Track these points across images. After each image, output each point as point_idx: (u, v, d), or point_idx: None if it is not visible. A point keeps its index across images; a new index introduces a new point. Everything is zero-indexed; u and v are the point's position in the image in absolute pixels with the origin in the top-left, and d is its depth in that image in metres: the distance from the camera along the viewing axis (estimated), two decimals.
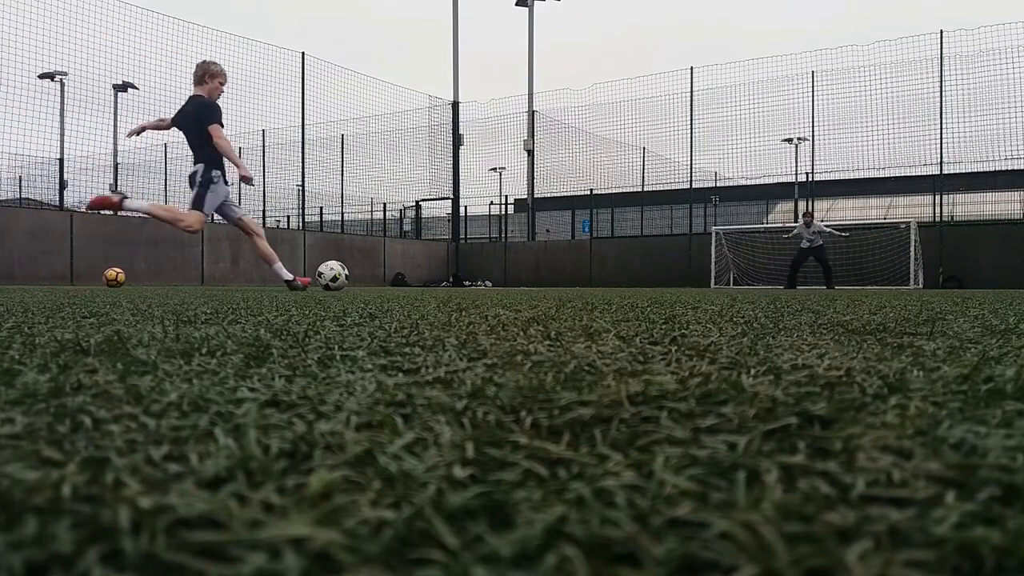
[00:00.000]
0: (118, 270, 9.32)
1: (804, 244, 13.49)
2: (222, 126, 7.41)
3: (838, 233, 13.95)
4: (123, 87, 15.68)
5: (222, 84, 7.40)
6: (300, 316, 2.07)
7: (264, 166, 17.67)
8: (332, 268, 7.79)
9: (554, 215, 21.43)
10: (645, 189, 20.26)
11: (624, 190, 20.09)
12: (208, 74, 7.30)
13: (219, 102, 7.00)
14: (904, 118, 16.63)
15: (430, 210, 21.75)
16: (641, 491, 0.39)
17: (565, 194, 19.69)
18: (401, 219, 21.78)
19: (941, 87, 15.91)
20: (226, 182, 7.64)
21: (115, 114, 16.10)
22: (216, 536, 0.32)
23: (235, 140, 17.17)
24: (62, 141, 14.54)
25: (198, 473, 0.42)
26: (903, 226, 15.71)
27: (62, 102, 14.92)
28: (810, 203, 18.59)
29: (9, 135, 12.61)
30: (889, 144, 16.98)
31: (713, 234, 17.11)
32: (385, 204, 20.68)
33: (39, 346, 1.16)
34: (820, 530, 0.33)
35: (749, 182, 19.67)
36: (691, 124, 18.48)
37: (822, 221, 14.56)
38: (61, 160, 14.64)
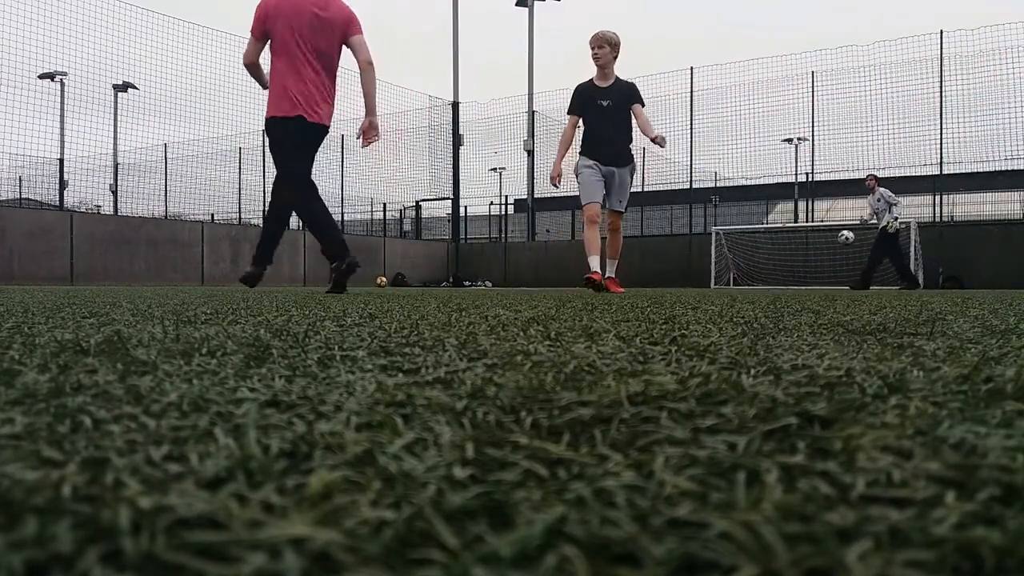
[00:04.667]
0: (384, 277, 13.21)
1: None
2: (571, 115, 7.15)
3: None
4: (123, 87, 15.68)
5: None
6: (300, 316, 2.07)
7: (264, 166, 17.66)
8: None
9: (554, 215, 21.43)
10: (645, 189, 20.25)
11: None
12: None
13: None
14: (904, 118, 16.62)
15: (430, 210, 21.75)
16: (641, 491, 0.39)
17: (565, 194, 19.66)
18: (401, 219, 21.78)
19: (941, 87, 15.91)
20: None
21: (115, 114, 16.11)
22: (216, 536, 0.32)
23: (236, 140, 17.20)
24: (62, 141, 14.55)
25: (198, 473, 0.42)
26: (903, 226, 15.70)
27: (62, 102, 14.92)
28: (810, 203, 18.60)
29: (9, 135, 12.61)
30: (889, 144, 16.98)
31: (713, 234, 17.11)
32: (385, 204, 20.67)
33: (39, 346, 1.16)
34: (820, 530, 0.33)
35: (749, 182, 19.66)
36: (691, 124, 18.47)
37: (822, 221, 14.37)
38: (61, 160, 14.65)
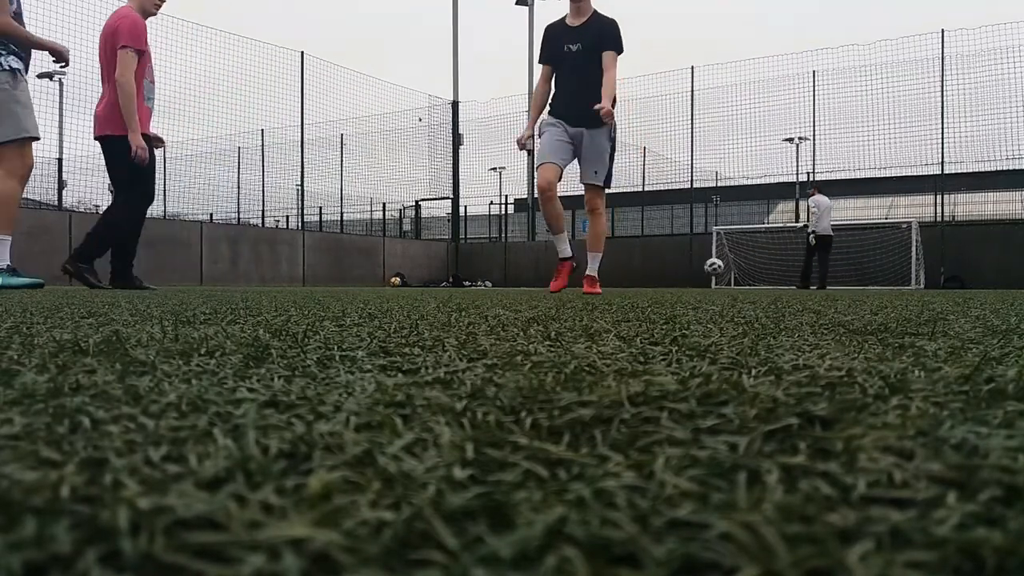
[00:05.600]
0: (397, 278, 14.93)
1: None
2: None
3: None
4: None
5: None
6: (299, 316, 2.07)
7: (263, 166, 17.66)
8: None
9: None
10: (645, 189, 20.25)
11: (624, 190, 20.09)
12: None
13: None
14: (905, 118, 16.62)
15: (430, 210, 21.77)
16: (641, 492, 0.39)
17: (565, 194, 19.59)
18: (401, 219, 21.78)
19: (942, 86, 15.91)
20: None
21: None
22: (215, 537, 0.32)
23: (234, 140, 17.22)
24: (61, 141, 14.54)
25: (197, 474, 0.42)
26: (904, 226, 15.73)
27: (60, 102, 14.91)
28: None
29: None
30: (890, 144, 16.99)
31: (714, 234, 17.11)
32: (385, 204, 20.68)
33: (38, 346, 1.15)
34: (821, 531, 0.33)
35: (750, 182, 19.66)
36: (692, 123, 18.47)
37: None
38: (60, 160, 14.64)
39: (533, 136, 5.77)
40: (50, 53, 5.31)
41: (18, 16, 5.15)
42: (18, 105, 5.05)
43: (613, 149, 5.66)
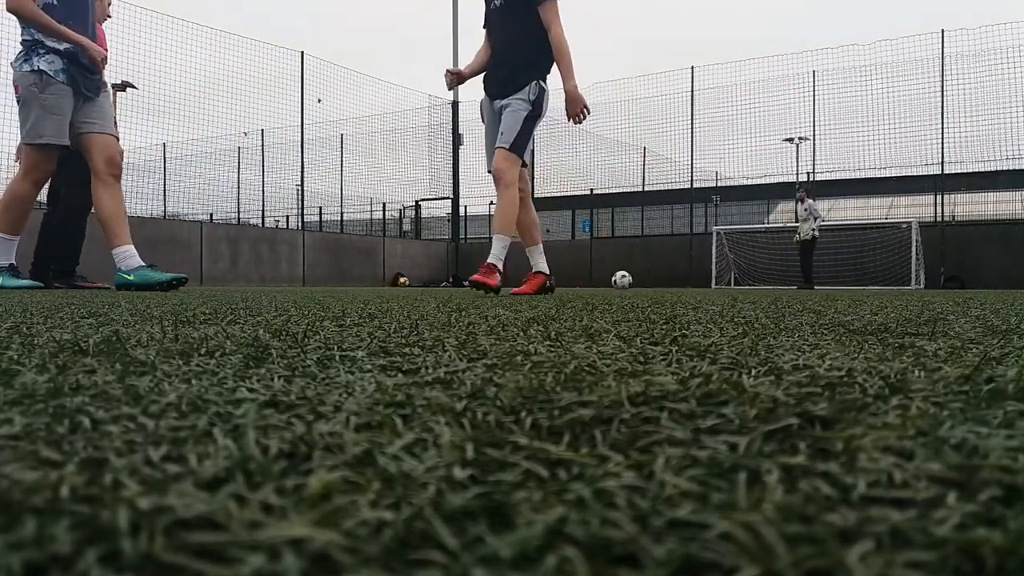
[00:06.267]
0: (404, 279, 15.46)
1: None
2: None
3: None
4: (122, 87, 15.65)
5: None
6: (299, 316, 2.07)
7: (263, 166, 17.66)
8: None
9: (554, 215, 21.44)
10: (645, 189, 20.25)
11: (624, 190, 20.10)
12: None
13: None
14: (905, 117, 16.63)
15: (430, 210, 21.76)
16: (642, 492, 0.39)
17: (565, 194, 19.66)
18: (401, 219, 21.78)
19: (942, 86, 15.91)
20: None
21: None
22: (215, 537, 0.32)
23: (235, 140, 17.19)
24: None
25: (197, 474, 0.42)
26: (904, 226, 15.74)
27: None
28: None
29: (7, 135, 12.58)
30: (890, 144, 16.99)
31: (714, 234, 17.11)
32: (384, 204, 20.67)
33: (38, 346, 1.15)
34: (821, 531, 0.33)
35: (750, 182, 19.66)
36: (691, 124, 18.46)
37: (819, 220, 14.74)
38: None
39: (459, 74, 5.10)
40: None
41: (66, 6, 4.91)
42: (42, 109, 4.89)
43: (534, 116, 4.87)
